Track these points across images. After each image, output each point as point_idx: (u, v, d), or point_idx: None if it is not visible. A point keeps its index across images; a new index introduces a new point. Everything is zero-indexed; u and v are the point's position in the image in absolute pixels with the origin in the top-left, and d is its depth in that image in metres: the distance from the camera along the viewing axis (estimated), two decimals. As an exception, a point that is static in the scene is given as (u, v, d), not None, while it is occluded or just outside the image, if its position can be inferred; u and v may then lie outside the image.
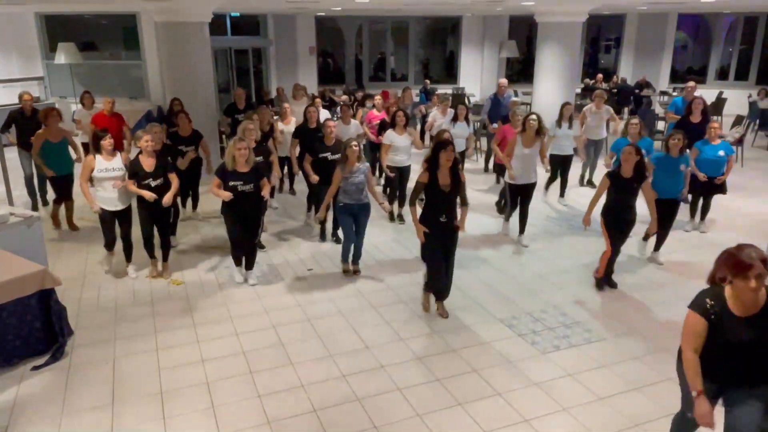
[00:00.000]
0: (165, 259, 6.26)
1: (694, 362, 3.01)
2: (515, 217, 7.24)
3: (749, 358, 2.93)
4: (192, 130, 7.36)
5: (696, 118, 8.09)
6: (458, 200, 5.20)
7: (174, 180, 6.00)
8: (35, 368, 4.51)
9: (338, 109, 12.32)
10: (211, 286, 6.02)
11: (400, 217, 7.97)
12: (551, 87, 10.76)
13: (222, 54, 15.50)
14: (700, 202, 7.57)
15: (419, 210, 5.18)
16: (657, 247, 6.61)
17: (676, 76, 17.91)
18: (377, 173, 9.38)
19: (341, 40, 19.00)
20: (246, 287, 5.97)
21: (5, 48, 13.68)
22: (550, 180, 8.67)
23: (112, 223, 6.01)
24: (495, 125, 9.54)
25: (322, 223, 7.13)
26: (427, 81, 16.96)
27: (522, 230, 7.10)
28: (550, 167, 7.61)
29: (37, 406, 4.09)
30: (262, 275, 6.23)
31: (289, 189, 9.39)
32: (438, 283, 5.30)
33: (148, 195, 5.72)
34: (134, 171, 5.76)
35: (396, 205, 7.99)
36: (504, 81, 10.51)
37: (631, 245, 6.87)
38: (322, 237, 7.31)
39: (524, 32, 18.90)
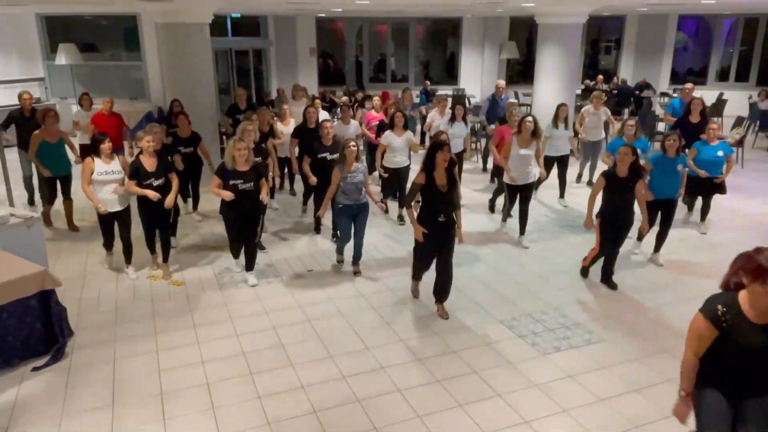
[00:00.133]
0: (165, 259, 6.26)
1: (692, 365, 2.97)
2: (515, 218, 7.26)
3: (765, 365, 2.81)
4: (191, 132, 7.41)
5: (695, 118, 8.15)
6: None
7: (174, 180, 6.07)
8: (35, 369, 4.51)
9: (338, 110, 12.35)
10: (212, 287, 6.02)
11: (400, 218, 8.00)
12: (551, 88, 10.77)
13: (222, 55, 15.52)
14: (699, 200, 7.61)
15: (416, 211, 5.22)
16: (657, 248, 6.62)
17: (676, 78, 17.90)
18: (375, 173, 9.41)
19: (341, 41, 19.02)
20: (246, 288, 5.97)
21: (6, 49, 13.70)
22: (540, 181, 8.68)
23: (111, 224, 6.05)
24: (492, 126, 9.59)
25: (319, 218, 7.35)
26: (428, 82, 16.97)
27: (522, 231, 7.12)
28: (544, 168, 7.65)
29: (37, 407, 4.09)
30: (262, 276, 6.24)
31: (289, 189, 9.41)
32: (420, 274, 5.57)
33: (152, 194, 5.74)
34: (136, 171, 5.78)
35: (396, 205, 8.05)
36: (501, 82, 10.55)
37: (628, 244, 6.88)
38: (317, 230, 7.49)
39: (524, 33, 18.91)
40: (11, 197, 7.06)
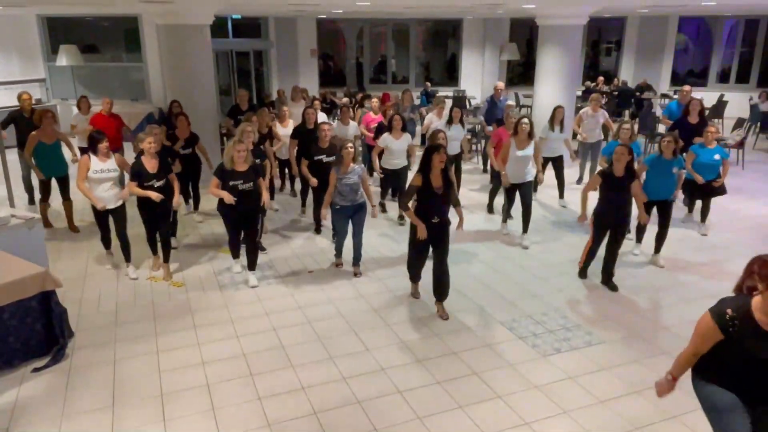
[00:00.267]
0: (166, 259, 6.27)
1: (688, 359, 2.96)
2: (515, 220, 7.27)
3: None
4: (190, 133, 7.45)
5: (693, 119, 8.21)
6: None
7: (175, 180, 6.11)
8: (36, 370, 4.51)
9: (339, 111, 12.35)
10: (212, 288, 6.02)
11: (401, 218, 8.04)
12: (552, 90, 10.76)
13: (223, 56, 15.53)
14: (698, 203, 7.64)
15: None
16: (657, 249, 6.63)
17: (677, 79, 17.89)
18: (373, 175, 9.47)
19: (342, 43, 19.03)
20: (246, 289, 5.97)
21: (7, 50, 13.71)
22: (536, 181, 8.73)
23: (106, 219, 6.10)
24: (490, 128, 9.64)
25: (318, 219, 7.44)
26: (428, 83, 16.97)
27: (525, 229, 7.16)
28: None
29: (37, 408, 4.09)
30: (263, 277, 6.24)
31: (290, 190, 9.42)
32: (417, 273, 5.61)
33: (155, 195, 5.77)
34: (137, 172, 5.79)
35: (396, 206, 8.13)
36: (500, 84, 10.62)
37: (628, 246, 6.88)
38: (317, 230, 7.56)
39: (525, 35, 18.92)
40: (12, 198, 7.06)
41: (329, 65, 19.13)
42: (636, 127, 13.31)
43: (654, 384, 3.16)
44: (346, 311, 5.52)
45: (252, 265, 6.09)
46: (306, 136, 7.37)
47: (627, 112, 15.19)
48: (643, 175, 6.42)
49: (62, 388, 4.31)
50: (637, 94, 15.83)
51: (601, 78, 16.70)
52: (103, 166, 5.82)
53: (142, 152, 5.91)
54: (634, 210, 5.94)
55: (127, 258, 6.22)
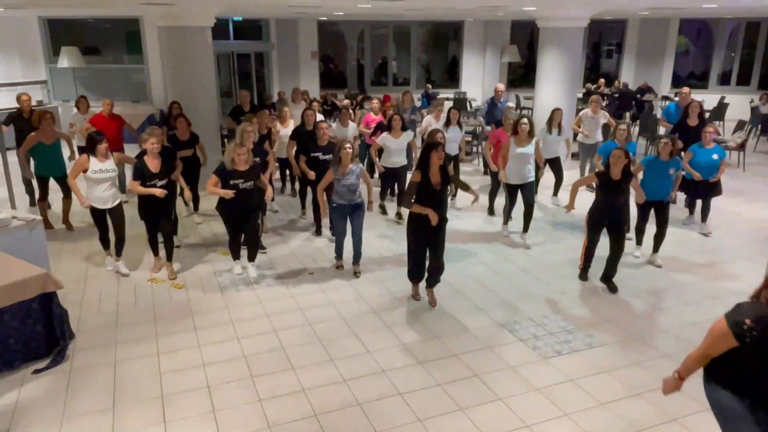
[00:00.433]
0: (169, 258, 6.31)
1: (698, 361, 2.90)
2: (516, 221, 7.27)
3: None
4: (190, 134, 7.50)
5: (693, 121, 8.25)
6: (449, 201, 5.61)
7: (180, 179, 6.27)
8: (36, 371, 4.51)
9: (339, 112, 12.35)
10: (212, 289, 6.02)
11: (398, 215, 8.14)
12: (553, 92, 10.76)
13: (224, 58, 15.53)
14: (699, 204, 7.69)
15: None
16: (655, 249, 6.66)
17: (678, 81, 17.89)
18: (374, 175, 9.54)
19: (343, 45, 19.04)
20: (247, 291, 5.97)
21: (9, 51, 13.73)
22: (538, 180, 8.77)
23: (103, 218, 6.12)
24: (489, 128, 9.69)
25: (319, 219, 7.52)
26: (429, 85, 16.99)
27: (525, 228, 7.19)
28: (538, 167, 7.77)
29: (38, 410, 4.09)
30: (263, 278, 6.24)
31: (290, 191, 9.42)
32: (418, 274, 5.63)
33: (160, 192, 5.83)
34: (140, 172, 5.84)
35: (394, 204, 8.28)
36: (501, 86, 10.67)
37: (628, 247, 6.87)
38: (318, 232, 7.58)
39: (526, 37, 18.93)
40: (13, 199, 7.07)
41: (330, 67, 19.14)
42: (636, 129, 13.37)
43: (661, 381, 3.15)
44: (347, 313, 5.52)
45: (253, 256, 6.20)
46: (305, 137, 7.43)
47: (628, 114, 15.19)
48: (640, 176, 6.45)
49: (63, 390, 4.31)
50: (638, 96, 15.83)
51: (602, 80, 16.70)
52: (101, 166, 5.85)
53: (145, 152, 5.94)
54: (634, 210, 5.95)
55: (118, 252, 6.24)
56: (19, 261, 4.78)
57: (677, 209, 8.15)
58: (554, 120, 8.37)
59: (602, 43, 19.98)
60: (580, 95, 14.84)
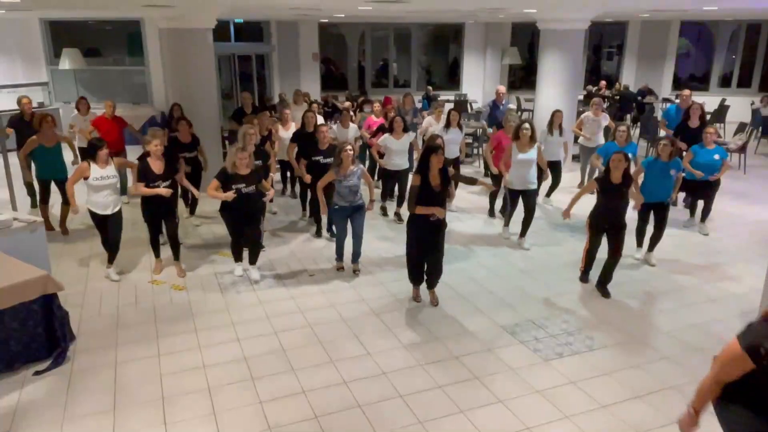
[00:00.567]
0: (176, 258, 6.35)
1: (711, 389, 2.70)
2: (516, 223, 7.27)
3: None
4: (192, 136, 7.51)
5: (694, 123, 8.25)
6: (449, 201, 5.58)
7: (184, 180, 6.27)
8: (37, 373, 4.51)
9: (340, 114, 12.37)
10: (213, 291, 6.02)
11: (397, 215, 8.18)
12: (554, 94, 10.77)
13: (225, 60, 15.54)
14: (700, 205, 7.70)
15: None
16: (650, 248, 6.68)
17: (678, 84, 17.90)
18: (375, 176, 9.57)
19: (344, 47, 19.05)
20: (248, 293, 5.97)
21: (10, 53, 13.74)
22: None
23: (104, 224, 6.10)
24: (491, 131, 9.70)
25: (319, 220, 7.52)
26: (430, 87, 16.99)
27: (523, 233, 7.19)
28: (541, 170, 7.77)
29: (38, 411, 4.09)
30: (264, 280, 6.24)
31: (290, 192, 9.43)
32: (418, 276, 5.67)
33: (165, 191, 5.86)
34: (144, 174, 5.85)
35: (395, 205, 8.30)
36: (502, 88, 10.72)
37: (629, 250, 6.87)
38: (318, 233, 7.58)
39: (526, 39, 18.94)
40: (14, 201, 7.07)
41: (331, 69, 19.15)
42: (637, 131, 13.37)
43: (678, 422, 2.95)
44: (348, 315, 5.52)
45: (254, 259, 6.22)
46: (305, 139, 7.44)
47: (628, 116, 15.20)
48: (641, 178, 6.45)
49: (63, 392, 4.31)
50: (639, 98, 15.83)
51: (603, 82, 16.70)
52: (102, 173, 5.85)
53: (148, 153, 5.95)
54: (632, 214, 5.95)
55: (111, 260, 6.24)
56: (20, 262, 4.78)
57: (677, 211, 8.15)
58: (555, 122, 8.38)
59: (603, 45, 19.99)
60: (581, 97, 14.84)
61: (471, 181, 5.72)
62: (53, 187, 7.52)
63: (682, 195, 8.04)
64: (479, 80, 18.46)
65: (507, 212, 7.48)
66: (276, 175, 8.43)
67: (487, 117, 10.63)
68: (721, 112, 14.58)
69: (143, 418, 4.03)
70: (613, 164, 5.61)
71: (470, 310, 5.63)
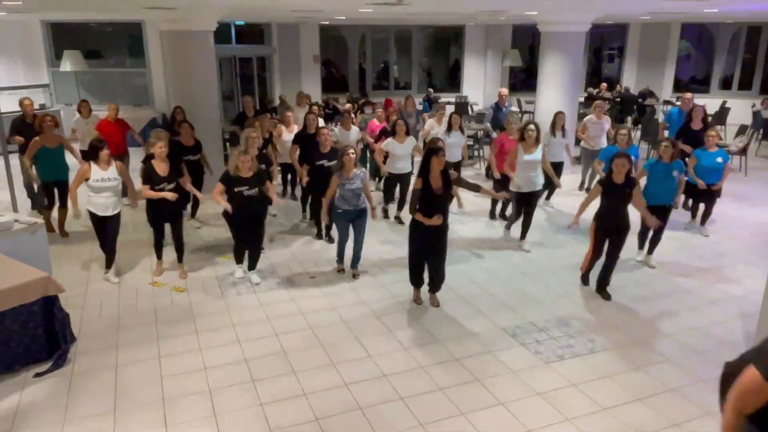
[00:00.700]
0: (180, 260, 6.38)
1: (735, 427, 2.44)
2: (517, 225, 7.28)
3: None
4: (195, 140, 7.51)
5: (697, 125, 8.27)
6: (453, 204, 5.58)
7: (188, 182, 6.25)
8: (38, 375, 4.51)
9: (342, 116, 12.38)
10: (214, 293, 6.02)
11: (398, 219, 8.16)
12: (554, 96, 10.77)
13: (226, 62, 15.56)
14: (701, 207, 7.72)
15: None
16: (650, 251, 6.68)
17: (679, 86, 17.90)
18: (375, 179, 9.62)
19: (345, 49, 19.07)
20: (248, 295, 5.97)
21: (11, 55, 13.76)
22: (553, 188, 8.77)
23: (101, 228, 6.11)
24: (495, 134, 9.71)
25: (319, 222, 7.48)
26: (431, 89, 17.01)
27: (523, 236, 7.19)
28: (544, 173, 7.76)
29: (39, 413, 4.09)
30: (264, 282, 6.24)
31: (290, 194, 9.43)
32: (418, 278, 5.69)
33: (171, 195, 5.87)
34: (149, 176, 5.87)
35: (395, 208, 8.27)
36: (504, 90, 10.76)
37: (631, 252, 6.87)
38: (319, 235, 7.58)
39: (527, 41, 18.95)
40: (15, 203, 7.07)
41: (332, 71, 19.17)
42: (638, 133, 13.37)
43: None
44: (348, 317, 5.51)
45: (254, 264, 6.22)
46: (307, 140, 7.45)
47: (630, 119, 15.20)
48: (644, 180, 6.44)
49: (64, 394, 4.31)
50: (640, 100, 15.84)
51: (604, 84, 16.71)
52: (103, 174, 5.84)
53: (152, 156, 5.95)
54: (635, 216, 5.93)
55: (109, 264, 6.25)
56: (21, 264, 4.78)
57: (678, 213, 8.13)
58: (557, 124, 8.38)
59: (604, 47, 20.00)
60: (582, 99, 14.86)
61: (475, 188, 5.61)
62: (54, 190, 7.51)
63: (682, 197, 8.03)
64: (480, 82, 18.48)
65: (510, 216, 7.45)
66: (277, 178, 8.44)
67: (490, 119, 10.65)
68: (721, 115, 14.58)
69: (144, 419, 4.03)
70: (616, 169, 5.57)
71: (471, 312, 5.63)
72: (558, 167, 8.58)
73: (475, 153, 11.81)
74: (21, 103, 8.21)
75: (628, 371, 4.63)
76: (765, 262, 6.82)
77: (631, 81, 18.06)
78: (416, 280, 5.72)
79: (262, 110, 10.49)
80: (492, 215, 8.41)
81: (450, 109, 10.15)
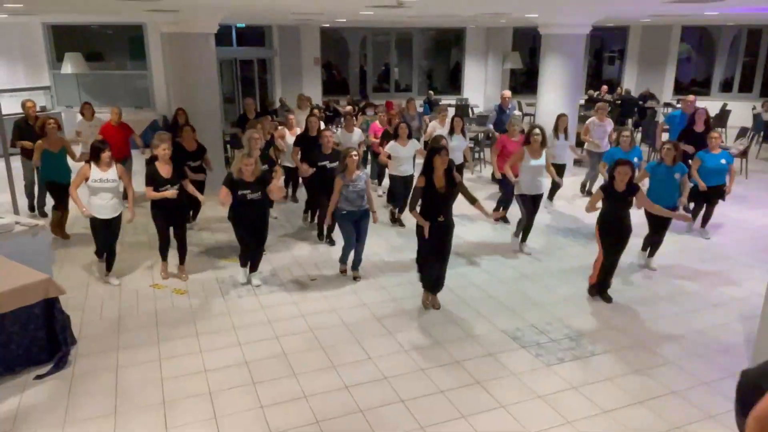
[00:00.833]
0: (182, 262, 6.37)
1: None
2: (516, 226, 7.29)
3: None
4: (197, 144, 7.51)
5: (699, 127, 8.29)
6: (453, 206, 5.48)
7: (189, 185, 6.24)
8: (38, 377, 4.50)
9: (342, 119, 12.39)
10: (215, 295, 6.02)
11: (400, 222, 8.15)
12: (555, 98, 10.78)
13: (227, 64, 15.59)
14: (703, 209, 7.72)
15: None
16: (651, 254, 6.66)
17: (680, 88, 17.92)
18: (378, 181, 9.60)
19: (345, 51, 19.09)
20: (249, 297, 5.97)
21: (12, 57, 13.78)
22: (557, 188, 8.78)
23: (102, 231, 6.07)
24: (497, 135, 9.75)
25: (321, 225, 7.49)
26: (431, 92, 17.02)
27: (524, 238, 7.19)
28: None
29: (39, 415, 4.08)
30: (265, 284, 6.24)
31: (291, 196, 9.43)
32: (431, 281, 5.62)
33: (171, 194, 5.86)
34: (152, 178, 5.86)
35: (397, 210, 8.23)
36: (507, 93, 10.79)
37: (632, 254, 6.87)
38: (320, 237, 7.57)
39: (528, 43, 18.98)
40: (16, 205, 7.08)
41: (332, 73, 19.19)
42: (639, 135, 13.37)
43: None
44: (349, 319, 5.51)
45: (255, 267, 6.20)
46: (309, 143, 7.46)
47: (630, 121, 15.20)
48: (647, 183, 6.44)
49: (64, 396, 4.31)
50: (640, 103, 15.85)
51: (605, 87, 16.73)
52: (102, 175, 5.84)
53: (155, 158, 5.95)
54: (640, 219, 5.92)
55: (109, 268, 6.24)
56: (22, 266, 4.78)
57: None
58: (560, 126, 8.38)
59: (604, 49, 20.02)
60: (582, 102, 14.87)
61: (471, 199, 5.57)
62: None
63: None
64: (480, 85, 18.50)
65: (520, 222, 7.32)
66: (279, 181, 8.42)
67: (494, 121, 10.68)
68: (722, 117, 14.59)
69: (144, 422, 4.02)
70: (618, 177, 5.52)
71: (472, 314, 5.62)
72: (560, 169, 8.58)
73: (476, 155, 11.81)
74: (23, 105, 8.23)
75: (628, 374, 4.62)
76: (766, 264, 6.82)
77: (631, 83, 18.08)
78: (428, 282, 5.65)
79: (262, 112, 10.50)
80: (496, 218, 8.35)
81: (451, 111, 10.16)
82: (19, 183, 7.76)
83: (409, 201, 5.41)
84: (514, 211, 7.52)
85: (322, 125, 9.04)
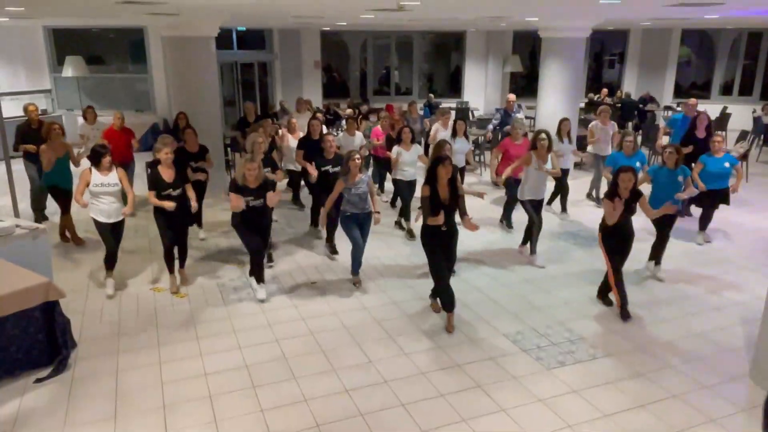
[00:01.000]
0: (182, 265, 6.34)
1: None
2: (519, 230, 7.26)
3: None
4: (199, 146, 7.50)
5: (701, 133, 8.28)
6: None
7: (190, 189, 6.18)
8: (38, 380, 4.50)
9: (343, 122, 12.43)
10: (215, 299, 6.01)
11: (399, 224, 8.14)
12: (555, 101, 10.80)
13: (228, 67, 15.63)
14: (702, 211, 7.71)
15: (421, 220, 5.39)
16: (657, 262, 6.60)
17: (680, 92, 17.93)
18: (379, 188, 9.62)
19: (346, 55, 19.12)
20: (249, 301, 5.96)
21: (13, 61, 13.81)
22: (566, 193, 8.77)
23: (110, 235, 6.03)
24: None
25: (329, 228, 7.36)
26: (432, 95, 17.03)
27: (525, 242, 7.16)
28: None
29: (39, 419, 4.08)
30: (265, 287, 6.22)
31: (295, 200, 9.42)
32: (447, 291, 5.32)
33: (168, 205, 5.80)
34: (155, 183, 5.85)
35: (403, 220, 8.12)
36: (512, 96, 10.91)
37: (635, 261, 6.85)
38: (328, 239, 7.40)
39: (528, 47, 18.99)
40: (17, 209, 7.08)
41: (333, 77, 19.21)
42: (639, 139, 13.38)
43: None
44: (350, 323, 5.50)
45: (261, 278, 6.03)
46: (311, 146, 7.46)
47: (630, 124, 15.21)
48: (649, 188, 6.42)
49: (64, 399, 4.30)
50: (641, 106, 15.86)
51: (605, 90, 16.74)
52: (103, 179, 5.84)
53: (158, 161, 5.94)
54: (646, 224, 5.89)
55: (109, 268, 6.10)
56: (22, 269, 4.79)
57: (681, 220, 8.12)
58: (563, 130, 8.37)
59: (604, 53, 20.03)
60: (582, 105, 14.88)
61: (463, 212, 5.52)
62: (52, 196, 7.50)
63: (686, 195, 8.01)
64: (481, 88, 18.51)
65: (536, 227, 7.14)
66: (282, 183, 8.44)
67: (499, 125, 10.75)
68: (722, 120, 14.60)
69: (144, 425, 4.02)
70: (622, 184, 5.49)
71: (473, 317, 5.62)
72: (564, 173, 8.57)
73: (476, 159, 11.82)
74: (26, 109, 8.23)
75: (629, 377, 4.62)
76: (766, 268, 6.81)
77: (631, 86, 18.09)
78: (444, 296, 5.39)
79: (263, 116, 10.51)
80: (503, 221, 8.31)
81: (452, 114, 10.17)
82: (19, 186, 7.75)
83: (422, 214, 5.33)
84: (519, 218, 7.49)
85: (324, 129, 9.05)
